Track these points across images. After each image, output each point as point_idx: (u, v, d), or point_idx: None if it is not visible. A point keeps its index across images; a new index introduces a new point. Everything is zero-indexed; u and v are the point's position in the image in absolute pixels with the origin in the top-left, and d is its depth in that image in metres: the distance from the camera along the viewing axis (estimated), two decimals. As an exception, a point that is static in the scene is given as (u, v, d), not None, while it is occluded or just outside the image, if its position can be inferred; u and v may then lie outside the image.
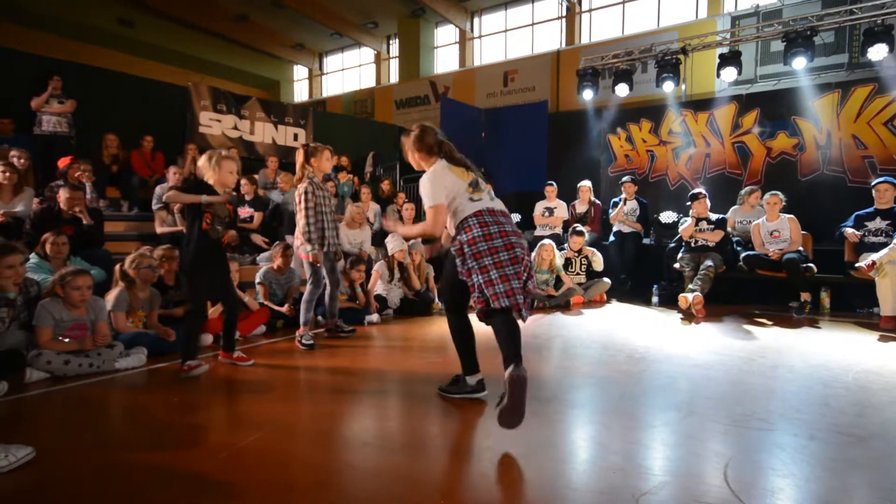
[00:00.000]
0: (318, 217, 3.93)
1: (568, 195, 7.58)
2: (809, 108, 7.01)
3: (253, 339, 4.29)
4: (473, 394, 2.72)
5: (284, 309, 4.76)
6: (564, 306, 5.97)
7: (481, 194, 2.56)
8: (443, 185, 2.52)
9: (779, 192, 5.68)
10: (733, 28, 9.72)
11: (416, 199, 8.64)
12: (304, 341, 4.01)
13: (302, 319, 4.07)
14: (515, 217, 8.16)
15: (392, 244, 5.68)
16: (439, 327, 4.94)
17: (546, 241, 6.27)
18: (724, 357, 3.56)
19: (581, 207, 7.43)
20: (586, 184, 7.46)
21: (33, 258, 3.81)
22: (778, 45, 8.08)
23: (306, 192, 3.88)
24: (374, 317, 5.11)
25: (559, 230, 7.28)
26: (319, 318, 4.93)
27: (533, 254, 6.21)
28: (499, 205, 2.59)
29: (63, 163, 5.38)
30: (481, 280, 2.39)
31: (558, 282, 6.19)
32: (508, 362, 2.32)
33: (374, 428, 2.45)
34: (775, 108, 7.28)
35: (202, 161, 3.24)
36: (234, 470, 1.90)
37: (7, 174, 4.58)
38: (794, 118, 7.10)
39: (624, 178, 7.23)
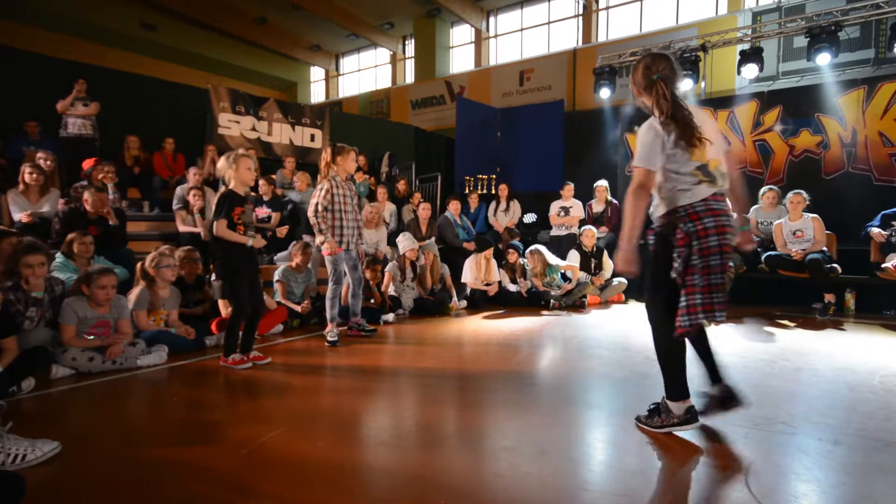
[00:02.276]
0: (337, 215, 4.06)
1: (584, 195, 7.51)
2: (834, 105, 6.85)
3: (271, 338, 4.33)
4: (683, 426, 2.19)
5: (301, 308, 4.80)
6: (580, 306, 5.92)
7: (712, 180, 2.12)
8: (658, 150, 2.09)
9: (802, 191, 5.54)
10: (754, 24, 9.52)
11: (431, 199, 8.66)
12: (328, 338, 4.10)
13: (328, 317, 4.17)
14: (531, 217, 8.14)
15: (403, 243, 5.70)
16: (455, 327, 4.94)
17: (535, 246, 6.28)
18: (746, 359, 3.50)
19: (598, 207, 7.36)
20: (603, 183, 7.38)
21: (59, 257, 3.91)
22: (801, 41, 7.91)
23: (322, 189, 4.03)
24: (390, 316, 5.13)
25: (575, 230, 7.23)
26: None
27: (523, 261, 6.24)
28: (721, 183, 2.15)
29: (88, 164, 5.51)
30: (699, 285, 2.04)
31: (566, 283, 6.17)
32: (714, 379, 2.21)
33: (390, 427, 2.46)
34: (798, 106, 7.13)
35: (220, 162, 3.33)
36: (253, 466, 1.93)
37: (34, 175, 4.71)
38: (818, 115, 6.95)
39: None
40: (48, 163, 5.05)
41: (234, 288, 3.35)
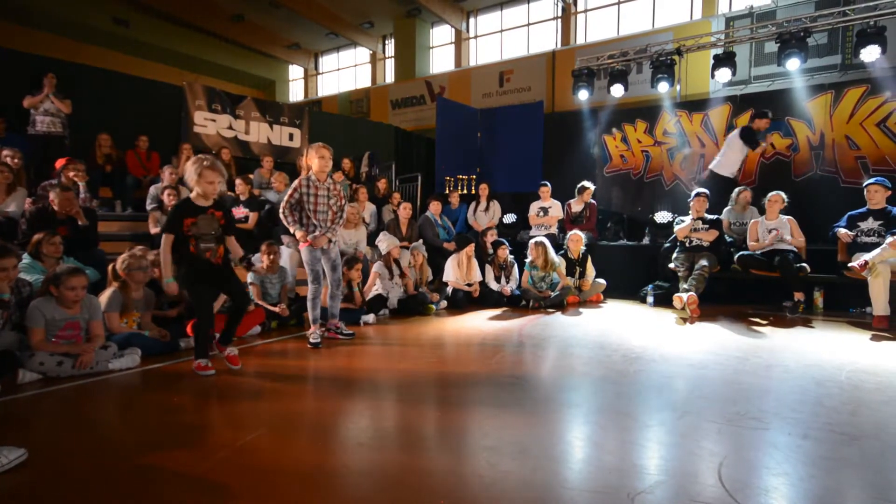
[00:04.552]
0: (307, 213, 3.99)
1: (563, 195, 7.58)
2: (803, 109, 7.06)
3: (248, 340, 4.27)
4: None
5: (278, 309, 4.74)
6: (559, 306, 5.98)
7: None
8: None
9: (781, 192, 5.68)
10: (727, 29, 9.76)
11: (411, 199, 8.64)
12: (311, 340, 4.03)
13: (310, 318, 4.13)
14: (511, 217, 8.19)
15: (385, 242, 5.67)
16: (435, 327, 4.94)
17: (540, 238, 6.28)
18: (719, 356, 3.58)
19: (577, 207, 7.43)
20: (591, 186, 7.43)
21: (26, 258, 3.79)
22: (772, 46, 8.13)
23: (290, 187, 4.02)
24: (370, 317, 5.09)
25: (554, 230, 7.29)
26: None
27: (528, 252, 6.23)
28: None
29: (60, 163, 5.35)
30: None
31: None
32: None
33: (370, 428, 2.44)
34: (769, 109, 7.32)
35: (187, 166, 3.20)
36: (230, 470, 1.89)
37: (3, 174, 4.56)
38: (788, 119, 7.15)
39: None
40: (15, 161, 4.88)
41: (195, 297, 3.26)
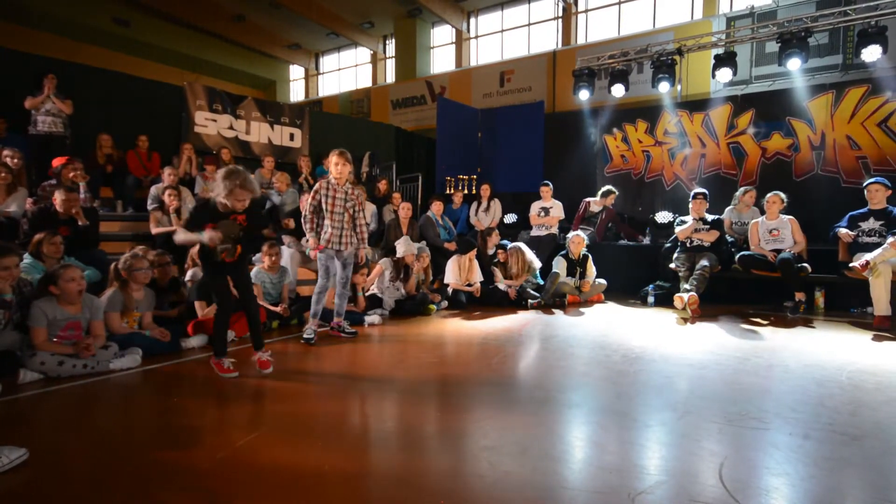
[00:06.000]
0: (323, 215, 4.12)
1: (564, 195, 7.57)
2: (804, 109, 7.05)
3: (249, 339, 4.26)
4: None
5: (279, 309, 4.74)
6: (559, 305, 5.98)
7: None
8: None
9: (780, 192, 5.68)
10: (728, 29, 9.76)
11: (412, 199, 8.64)
12: (304, 335, 4.08)
13: (311, 312, 4.18)
14: (512, 217, 8.18)
15: (403, 247, 5.69)
16: (436, 328, 4.94)
17: (516, 244, 6.35)
18: (720, 356, 3.58)
19: (595, 207, 7.38)
20: (615, 191, 7.41)
21: (27, 258, 3.80)
22: (773, 46, 8.12)
23: (312, 190, 4.17)
24: (376, 318, 5.04)
25: (555, 230, 7.29)
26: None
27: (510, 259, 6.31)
28: None
29: (58, 162, 5.35)
30: None
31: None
32: None
33: (370, 429, 2.45)
34: (770, 109, 7.32)
35: (218, 178, 3.07)
36: (231, 470, 1.90)
37: (2, 174, 4.56)
38: (789, 119, 7.14)
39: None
40: (15, 161, 4.89)
41: (216, 288, 3.27)
